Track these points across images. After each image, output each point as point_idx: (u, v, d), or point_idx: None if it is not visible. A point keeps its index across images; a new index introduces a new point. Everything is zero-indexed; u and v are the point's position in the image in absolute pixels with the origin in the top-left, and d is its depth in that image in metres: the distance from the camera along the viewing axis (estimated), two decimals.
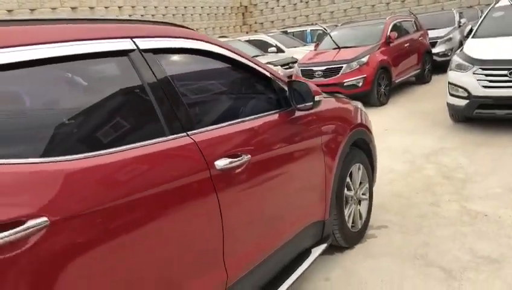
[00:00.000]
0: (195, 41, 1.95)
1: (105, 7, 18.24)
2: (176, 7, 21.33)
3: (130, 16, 19.31)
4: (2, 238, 1.08)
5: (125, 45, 1.63)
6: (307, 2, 22.34)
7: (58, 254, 1.20)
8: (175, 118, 1.68)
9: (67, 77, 1.52)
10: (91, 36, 1.53)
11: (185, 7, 21.80)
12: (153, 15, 20.62)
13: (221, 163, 1.75)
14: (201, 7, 22.64)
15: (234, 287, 1.84)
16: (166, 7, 20.91)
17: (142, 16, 19.88)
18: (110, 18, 1.78)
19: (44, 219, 1.17)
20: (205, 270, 1.70)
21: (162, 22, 1.95)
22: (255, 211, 1.99)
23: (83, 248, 1.26)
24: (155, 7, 20.47)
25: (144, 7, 20.02)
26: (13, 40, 1.31)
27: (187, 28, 2.06)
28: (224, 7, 24.04)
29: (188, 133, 1.70)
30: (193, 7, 22.22)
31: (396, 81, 8.44)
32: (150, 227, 1.46)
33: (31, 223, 1.14)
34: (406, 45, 8.81)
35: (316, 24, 15.12)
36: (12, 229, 1.11)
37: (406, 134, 5.69)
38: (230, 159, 1.80)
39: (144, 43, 1.70)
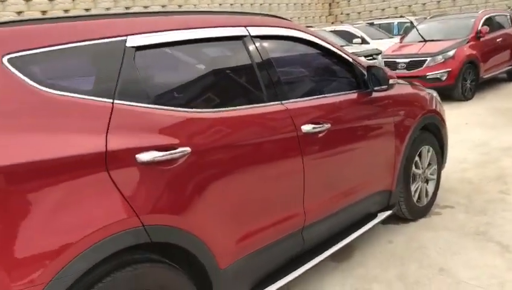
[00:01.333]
0: (291, 30, 2.43)
1: None
2: None
3: (220, 4, 20.35)
4: (163, 155, 1.65)
5: (241, 31, 2.16)
6: None
7: (193, 171, 1.75)
8: (273, 89, 2.18)
9: (201, 54, 2.09)
10: (219, 24, 2.09)
11: None
12: (241, 4, 21.46)
13: (306, 128, 2.22)
14: None
15: (309, 227, 2.31)
16: None
17: (231, 4, 20.81)
18: (229, 11, 2.31)
19: (188, 148, 1.73)
20: (290, 206, 2.19)
21: (268, 14, 2.46)
22: (331, 170, 2.43)
23: (210, 171, 1.81)
24: None
25: None
26: (172, 25, 1.91)
27: (285, 19, 2.54)
28: None
29: (282, 102, 2.19)
30: None
31: (485, 76, 8.24)
32: (253, 165, 1.98)
33: (179, 149, 1.71)
34: (498, 40, 8.53)
35: (404, 16, 14.83)
36: (168, 151, 1.67)
37: (486, 128, 5.71)
38: (314, 125, 2.26)
39: (254, 31, 2.21)
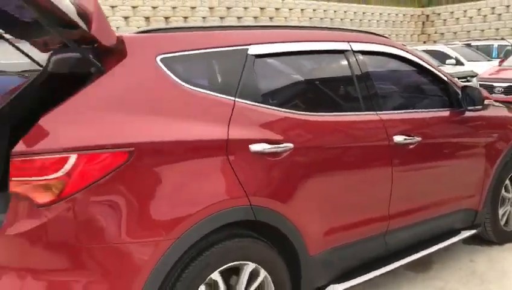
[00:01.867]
0: (389, 47, 2.61)
1: (289, 9, 19.91)
2: (354, 12, 21.97)
3: (310, 18, 20.71)
4: (271, 148, 1.92)
5: (344, 46, 2.39)
6: (499, 15, 20.56)
7: (294, 165, 2.00)
8: (369, 100, 2.37)
9: (308, 64, 2.36)
10: (326, 38, 2.34)
11: (363, 13, 22.28)
12: (331, 19, 21.64)
13: (398, 138, 2.38)
14: (380, 13, 22.80)
15: (392, 233, 2.45)
16: (345, 12, 21.70)
17: (321, 19, 21.08)
18: (334, 27, 2.56)
19: (291, 144, 1.99)
20: (376, 210, 2.36)
21: (369, 32, 2.66)
22: (417, 181, 2.55)
23: (308, 166, 2.05)
24: (334, 11, 21.42)
25: (324, 11, 21.14)
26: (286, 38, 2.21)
27: (384, 36, 2.73)
28: (404, 14, 23.71)
29: (377, 112, 2.38)
30: (372, 13, 22.55)
31: None
32: (346, 167, 2.20)
33: (284, 144, 1.97)
34: None
35: (505, 39, 14.01)
36: (275, 145, 1.94)
37: None
38: (405, 137, 2.41)
39: (356, 46, 2.43)
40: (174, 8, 17.18)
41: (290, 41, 2.21)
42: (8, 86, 6.85)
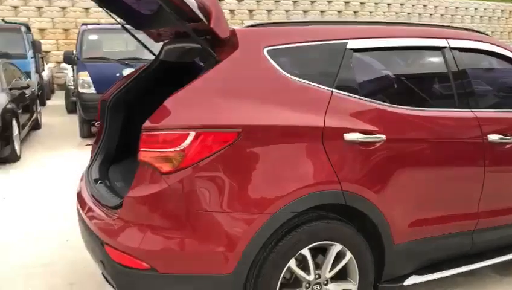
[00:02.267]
0: (490, 44, 2.57)
1: (375, 3, 19.37)
2: (446, 7, 20.82)
3: (396, 13, 20.00)
4: (364, 138, 2.03)
5: (441, 42, 2.40)
6: None
7: (385, 156, 2.09)
8: (465, 97, 2.37)
9: (403, 59, 2.42)
10: (423, 35, 2.39)
11: (456, 8, 21.03)
12: (419, 14, 20.71)
13: (492, 137, 2.36)
14: (475, 9, 21.37)
15: (480, 231, 2.44)
16: (435, 7, 20.64)
17: (408, 14, 20.26)
18: (431, 24, 2.58)
19: (384, 136, 2.08)
20: (465, 206, 2.37)
21: (468, 29, 2.64)
22: (510, 182, 2.50)
23: (399, 158, 2.13)
24: (424, 6, 20.47)
25: (413, 5, 20.28)
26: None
27: (482, 33, 2.69)
28: (502, 10, 22.00)
29: (472, 110, 2.37)
30: (465, 8, 21.20)
31: None
32: (437, 161, 2.24)
33: (377, 135, 2.07)
34: None
35: None
36: (369, 135, 2.05)
37: None
38: (500, 136, 2.38)
39: (453, 43, 2.43)
40: (258, 1, 17.55)
41: (387, 37, 2.29)
42: (113, 71, 7.59)
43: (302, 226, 1.96)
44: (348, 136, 2.01)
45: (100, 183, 2.38)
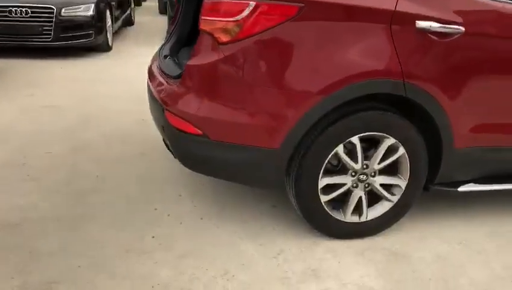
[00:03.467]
0: None
1: None
2: None
3: None
4: (439, 27, 1.85)
5: None
6: None
7: (460, 50, 1.91)
8: None
9: None
10: None
11: None
12: None
13: None
14: None
15: None
16: None
17: None
18: None
19: (462, 28, 1.88)
20: None
21: None
22: None
23: (475, 55, 1.94)
24: None
25: None
26: None
27: None
28: None
29: None
30: None
31: None
32: None
33: (455, 26, 1.87)
34: None
35: None
36: (444, 25, 1.86)
37: None
38: None
39: None
40: None
41: None
42: None
43: (355, 114, 1.91)
44: (421, 24, 1.84)
45: (169, 58, 2.49)
